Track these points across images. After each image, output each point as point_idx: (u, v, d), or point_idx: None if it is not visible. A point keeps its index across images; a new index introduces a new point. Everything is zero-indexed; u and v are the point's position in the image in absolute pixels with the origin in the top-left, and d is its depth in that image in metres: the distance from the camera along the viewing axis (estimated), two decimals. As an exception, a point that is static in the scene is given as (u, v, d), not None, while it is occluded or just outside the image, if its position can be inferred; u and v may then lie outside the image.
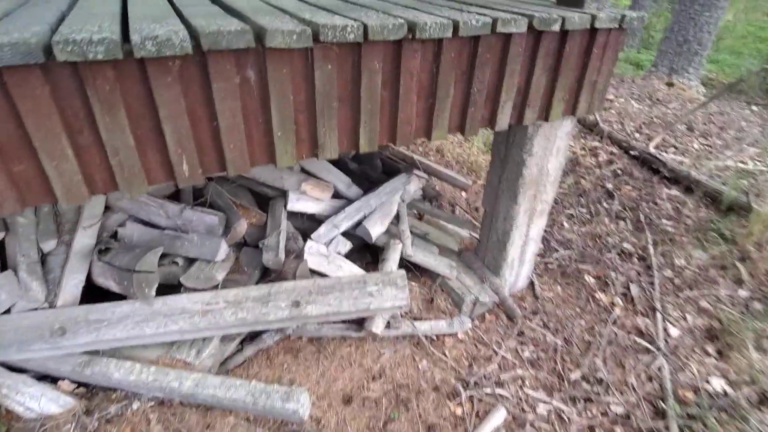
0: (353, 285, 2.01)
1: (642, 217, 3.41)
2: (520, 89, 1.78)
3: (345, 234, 2.43)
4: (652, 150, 4.09)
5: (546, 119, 1.95)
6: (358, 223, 2.45)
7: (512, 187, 2.30)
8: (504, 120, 1.81)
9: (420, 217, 2.86)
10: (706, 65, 9.17)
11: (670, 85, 6.31)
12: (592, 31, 1.77)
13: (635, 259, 3.00)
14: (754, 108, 6.59)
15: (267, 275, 2.21)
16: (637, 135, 4.61)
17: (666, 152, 4.30)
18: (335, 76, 1.36)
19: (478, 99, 1.69)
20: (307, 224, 2.47)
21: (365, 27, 1.28)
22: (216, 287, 1.94)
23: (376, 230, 2.43)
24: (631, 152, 4.20)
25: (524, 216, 2.39)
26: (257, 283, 2.12)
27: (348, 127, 1.50)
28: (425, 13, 1.53)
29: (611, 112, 5.00)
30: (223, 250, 1.99)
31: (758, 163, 4.36)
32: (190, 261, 2.01)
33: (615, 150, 4.31)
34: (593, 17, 1.68)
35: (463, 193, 3.69)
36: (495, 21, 1.49)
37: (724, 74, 8.86)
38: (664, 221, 3.38)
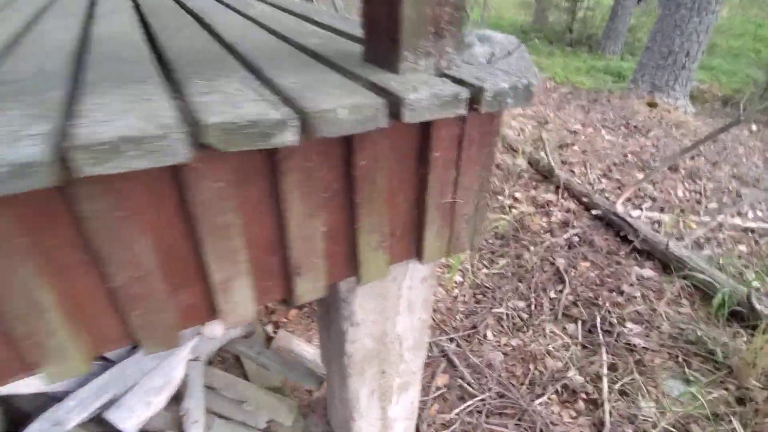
0: None
1: (599, 319, 2.47)
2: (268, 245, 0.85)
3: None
4: (619, 208, 3.15)
5: (356, 277, 1.03)
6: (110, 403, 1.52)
7: (339, 366, 1.37)
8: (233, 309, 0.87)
9: (242, 367, 1.91)
10: (697, 75, 8.29)
11: (651, 105, 5.40)
12: (424, 125, 0.86)
13: (581, 403, 2.06)
14: (753, 128, 5.68)
15: None
16: (604, 182, 3.68)
17: (640, 207, 3.37)
18: None
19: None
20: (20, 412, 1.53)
21: None
22: None
23: (131, 422, 1.49)
24: (594, 210, 3.26)
25: (369, 399, 1.45)
26: None
27: None
28: None
29: (574, 149, 4.07)
30: None
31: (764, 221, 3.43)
32: None
33: (574, 206, 3.38)
34: (398, 101, 0.75)
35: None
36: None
37: (719, 84, 7.95)
38: (630, 326, 2.44)
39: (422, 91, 0.76)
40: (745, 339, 2.27)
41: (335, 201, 0.85)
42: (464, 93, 0.80)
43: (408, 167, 0.92)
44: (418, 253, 1.06)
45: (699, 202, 3.60)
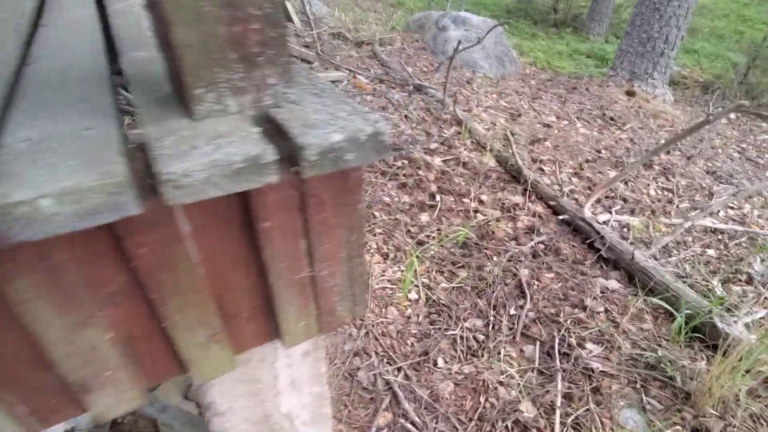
0: None
1: (558, 340, 2.34)
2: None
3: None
4: (587, 212, 3.00)
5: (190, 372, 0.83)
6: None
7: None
8: None
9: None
10: (680, 58, 8.11)
11: (630, 94, 5.22)
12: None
13: (533, 438, 1.94)
14: (732, 116, 5.56)
15: None
16: (575, 181, 3.52)
17: (610, 210, 3.22)
18: None
19: None
20: None
21: None
22: None
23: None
24: (561, 215, 3.11)
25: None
26: None
27: None
28: None
29: (546, 145, 3.88)
30: None
31: (736, 221, 3.32)
32: None
33: (541, 209, 3.21)
34: (153, 177, 0.53)
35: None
36: None
37: (702, 69, 7.80)
38: (590, 347, 2.32)
39: (196, 157, 0.54)
40: (705, 362, 2.16)
41: (121, 299, 0.64)
42: (270, 154, 0.57)
43: (234, 240, 0.70)
44: (279, 335, 0.87)
45: (671, 202, 3.47)
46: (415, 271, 2.81)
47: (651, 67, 5.22)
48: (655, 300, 2.49)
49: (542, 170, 3.55)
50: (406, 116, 4.07)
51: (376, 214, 3.19)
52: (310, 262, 0.82)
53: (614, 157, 3.91)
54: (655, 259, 2.76)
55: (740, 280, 2.69)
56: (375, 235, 3.01)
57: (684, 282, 2.63)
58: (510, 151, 3.49)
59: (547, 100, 4.88)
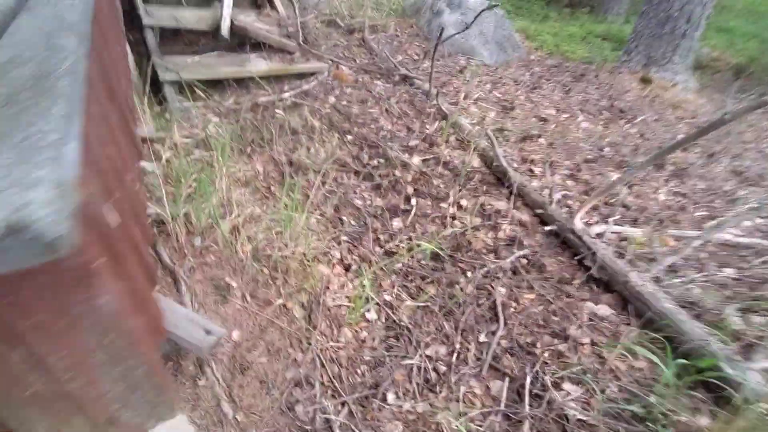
0: None
1: (530, 378, 2.01)
2: None
3: None
4: (577, 223, 2.61)
5: None
6: None
7: None
8: None
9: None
10: (710, 38, 7.40)
11: (645, 81, 4.70)
12: None
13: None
14: None
15: None
16: (569, 185, 3.11)
17: (607, 219, 2.82)
18: None
19: None
20: None
21: None
22: None
23: None
24: (547, 227, 2.73)
25: None
26: None
27: None
28: None
29: (539, 143, 3.47)
30: None
31: (764, 233, 2.87)
32: None
33: (527, 217, 2.84)
34: None
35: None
36: None
37: (735, 51, 7.08)
38: (568, 389, 1.97)
39: None
40: (708, 419, 1.79)
41: None
42: None
43: None
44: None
45: (684, 209, 3.04)
46: (380, 285, 2.51)
47: (670, 51, 4.68)
48: (652, 333, 2.12)
49: (532, 172, 3.15)
50: (387, 110, 3.72)
51: (344, 219, 2.89)
52: (41, 374, 0.53)
53: (619, 155, 3.48)
54: (658, 281, 2.37)
55: (764, 309, 2.27)
56: (340, 243, 2.71)
57: (691, 310, 2.24)
58: (494, 149, 3.11)
59: (549, 90, 4.43)
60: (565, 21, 8.22)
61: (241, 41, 4.24)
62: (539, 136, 3.52)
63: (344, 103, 3.75)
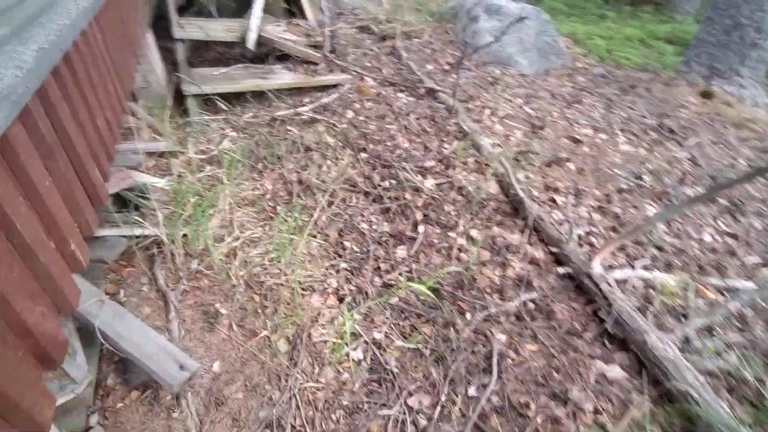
0: None
1: (519, 446, 1.82)
2: None
3: None
4: (595, 268, 2.35)
5: None
6: None
7: None
8: None
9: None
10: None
11: (706, 96, 4.18)
12: None
13: None
14: None
15: None
16: (595, 219, 2.82)
17: (633, 263, 2.52)
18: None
19: None
20: None
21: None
22: None
23: None
24: (562, 268, 2.48)
25: None
26: None
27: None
28: None
29: (567, 168, 3.18)
30: None
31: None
32: None
33: (542, 255, 2.60)
34: None
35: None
36: None
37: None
38: (559, 464, 1.77)
39: None
40: None
41: None
42: None
43: None
44: None
45: (733, 254, 2.65)
46: (372, 320, 2.41)
47: (737, 62, 4.13)
48: (669, 409, 1.85)
49: (554, 202, 2.89)
50: (405, 127, 3.58)
51: (347, 244, 2.81)
52: None
53: (660, 185, 3.11)
54: (686, 343, 2.07)
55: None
56: (338, 271, 2.64)
57: (721, 380, 1.94)
58: (509, 176, 2.88)
59: (589, 104, 4.06)
60: (623, 21, 7.58)
61: (268, 52, 4.27)
62: (568, 160, 3.23)
63: (362, 118, 3.66)
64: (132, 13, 2.55)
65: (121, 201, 2.54)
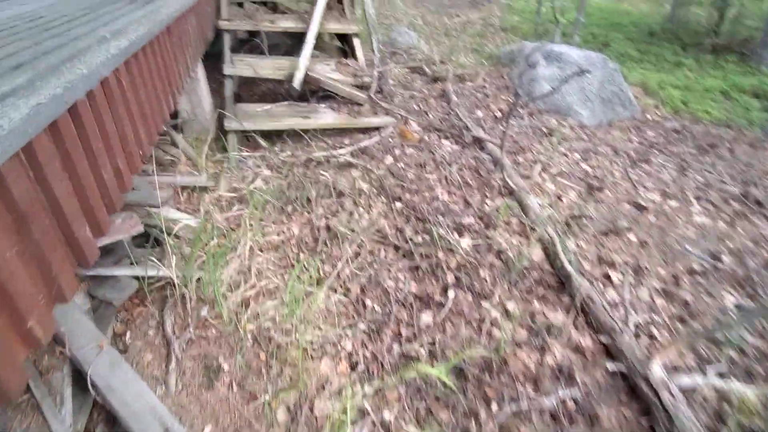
0: None
1: None
2: None
3: None
4: (655, 370, 2.01)
5: None
6: None
7: None
8: None
9: None
10: None
11: (802, 163, 3.68)
12: None
13: None
14: None
15: None
16: (659, 305, 2.46)
17: (703, 368, 2.14)
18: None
19: None
20: None
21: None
22: None
23: None
24: (613, 363, 2.15)
25: None
26: None
27: None
28: None
29: (628, 239, 2.84)
30: None
31: None
32: None
33: (589, 343, 2.28)
34: None
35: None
36: None
37: None
38: None
39: None
40: None
41: None
42: None
43: None
44: None
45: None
46: (385, 397, 2.19)
47: None
48: None
49: (608, 279, 2.57)
50: (446, 177, 3.43)
51: (368, 302, 2.65)
52: None
53: (742, 268, 2.69)
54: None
55: None
56: (355, 334, 2.47)
57: None
58: (556, 244, 2.61)
59: (658, 165, 3.71)
60: (703, 71, 7.08)
61: (315, 89, 4.34)
62: (629, 230, 2.90)
63: (401, 165, 3.55)
64: (179, 54, 2.64)
65: (144, 234, 2.55)
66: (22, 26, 2.61)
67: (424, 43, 7.09)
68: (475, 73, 5.42)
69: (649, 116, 5.02)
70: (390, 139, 3.85)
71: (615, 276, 2.60)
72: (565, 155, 3.74)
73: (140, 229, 1.84)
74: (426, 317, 2.55)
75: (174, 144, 3.55)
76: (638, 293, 2.52)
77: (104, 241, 1.53)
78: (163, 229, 2.32)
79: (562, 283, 2.58)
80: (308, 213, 3.11)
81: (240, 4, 5.80)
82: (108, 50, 1.52)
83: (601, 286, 2.56)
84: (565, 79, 3.29)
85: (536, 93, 4.56)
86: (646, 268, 2.65)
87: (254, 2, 5.47)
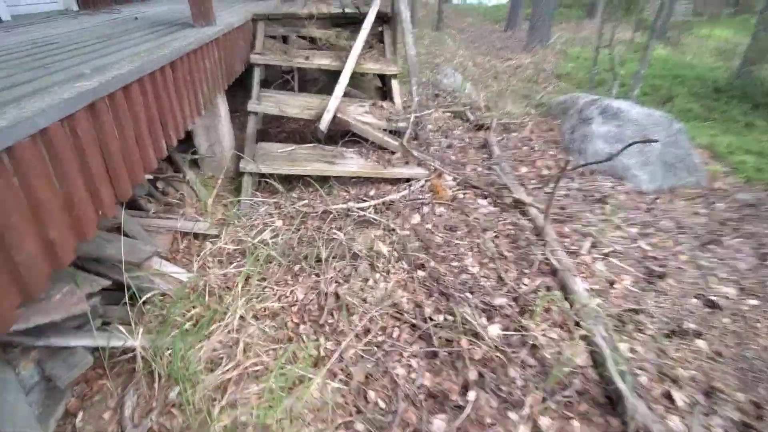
0: None
1: None
2: None
3: None
4: None
5: None
6: None
7: None
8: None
9: None
10: None
11: None
12: None
13: None
14: None
15: None
16: (731, 417, 1.96)
17: None
18: None
19: None
20: None
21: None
22: None
23: None
24: None
25: None
26: None
27: None
28: None
29: (697, 346, 2.36)
30: None
31: None
32: None
33: (645, 492, 1.81)
34: None
35: None
36: None
37: None
38: None
39: None
40: None
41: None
42: None
43: None
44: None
45: None
46: None
47: None
48: None
49: (670, 400, 2.10)
50: (479, 245, 3.08)
51: (371, 394, 2.29)
52: None
53: None
54: None
55: None
56: (351, 435, 2.11)
57: None
58: (602, 349, 2.17)
59: (731, 248, 3.21)
60: (780, 134, 6.45)
61: (345, 132, 4.15)
62: (698, 335, 2.42)
63: (429, 226, 3.24)
64: (184, 92, 2.48)
65: (121, 287, 2.31)
66: (20, 53, 2.54)
67: (471, 86, 6.89)
68: (522, 124, 5.11)
69: (716, 184, 4.51)
70: (419, 194, 3.56)
71: (679, 397, 2.12)
72: (619, 227, 3.31)
73: (84, 308, 1.60)
74: (438, 422, 2.16)
75: (186, 181, 3.41)
76: (710, 423, 2.04)
77: (38, 320, 1.30)
78: (135, 292, 2.08)
79: (610, 399, 2.13)
80: (317, 275, 2.83)
81: (285, 39, 5.82)
82: (62, 95, 1.32)
83: (662, 409, 2.09)
84: (628, 144, 2.92)
85: (589, 152, 4.19)
86: (720, 389, 2.16)
87: (300, 36, 5.46)
